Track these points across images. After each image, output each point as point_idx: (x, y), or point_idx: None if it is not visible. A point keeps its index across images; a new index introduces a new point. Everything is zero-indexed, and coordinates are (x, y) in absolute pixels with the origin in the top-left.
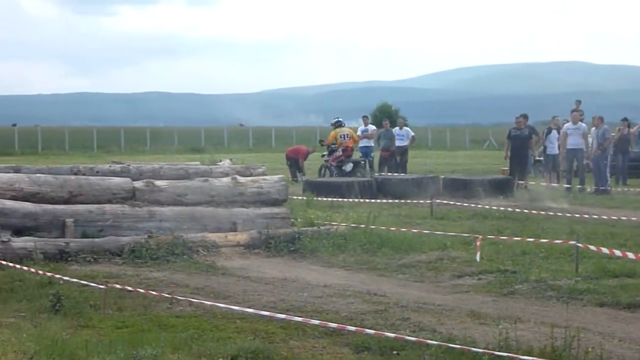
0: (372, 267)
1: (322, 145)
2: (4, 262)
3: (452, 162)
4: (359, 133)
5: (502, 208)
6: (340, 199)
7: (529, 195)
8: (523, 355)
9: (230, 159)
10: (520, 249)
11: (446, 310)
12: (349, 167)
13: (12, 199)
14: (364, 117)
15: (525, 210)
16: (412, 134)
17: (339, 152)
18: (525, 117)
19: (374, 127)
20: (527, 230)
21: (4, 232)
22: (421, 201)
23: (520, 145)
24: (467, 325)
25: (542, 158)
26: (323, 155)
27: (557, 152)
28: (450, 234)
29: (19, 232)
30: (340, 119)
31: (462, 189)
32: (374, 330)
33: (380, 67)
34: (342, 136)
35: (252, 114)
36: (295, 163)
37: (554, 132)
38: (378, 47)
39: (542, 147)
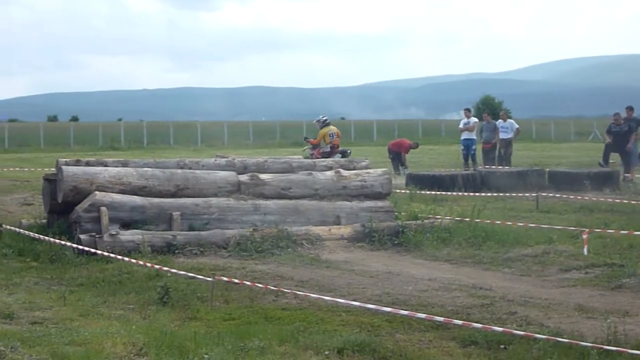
0: (478, 261)
1: (307, 142)
2: (112, 255)
3: (557, 155)
4: (460, 126)
5: (608, 200)
6: (443, 192)
7: (635, 188)
8: (632, 349)
9: None
10: (628, 242)
11: (553, 304)
12: (336, 157)
13: (121, 193)
14: (466, 110)
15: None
16: (517, 126)
17: (327, 148)
18: (630, 109)
19: (475, 120)
20: (634, 224)
21: (112, 226)
22: (526, 194)
23: (621, 140)
24: (574, 319)
25: None
26: (304, 150)
27: None
28: (556, 227)
29: (127, 225)
30: (327, 118)
31: (567, 182)
32: (481, 324)
33: (482, 59)
34: (331, 135)
35: (353, 107)
36: (397, 156)
37: None
38: (480, 39)
39: None
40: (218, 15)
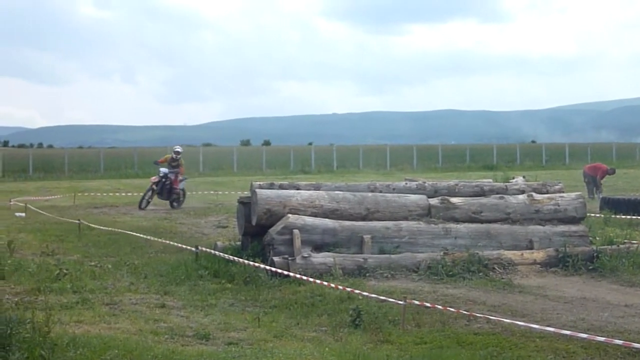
0: None
1: (158, 164)
2: (305, 278)
3: None
4: None
5: None
6: (639, 217)
7: None
8: None
9: (524, 176)
10: None
11: None
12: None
13: (313, 216)
14: None
15: None
16: None
17: (181, 177)
18: None
19: None
20: None
21: (304, 248)
22: None
23: None
24: None
25: None
26: (161, 178)
27: None
28: None
29: (318, 247)
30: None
31: None
32: None
33: None
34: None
35: (542, 130)
36: (593, 180)
37: None
38: None
39: None
40: (407, 39)
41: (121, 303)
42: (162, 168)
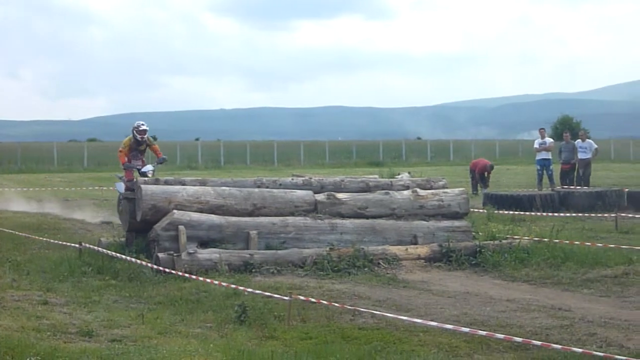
0: (557, 282)
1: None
2: (188, 275)
3: (636, 175)
4: (536, 145)
5: None
6: (521, 213)
7: None
8: None
9: (409, 172)
10: None
11: (634, 325)
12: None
13: (198, 212)
14: (541, 130)
15: None
16: (595, 146)
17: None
18: None
19: (551, 140)
20: None
21: (190, 244)
22: (605, 215)
23: None
24: None
25: None
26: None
27: None
28: (637, 248)
29: (205, 243)
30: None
31: None
32: (560, 345)
33: (562, 79)
34: None
35: (426, 127)
36: (479, 176)
37: None
38: (560, 59)
39: None
40: (295, 36)
41: (3, 300)
42: (147, 166)
